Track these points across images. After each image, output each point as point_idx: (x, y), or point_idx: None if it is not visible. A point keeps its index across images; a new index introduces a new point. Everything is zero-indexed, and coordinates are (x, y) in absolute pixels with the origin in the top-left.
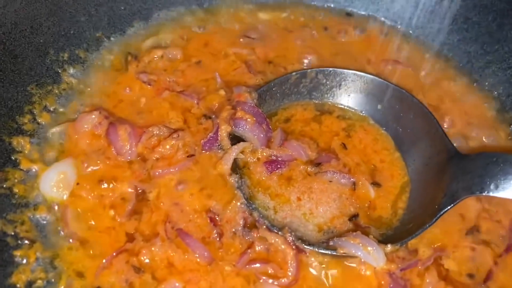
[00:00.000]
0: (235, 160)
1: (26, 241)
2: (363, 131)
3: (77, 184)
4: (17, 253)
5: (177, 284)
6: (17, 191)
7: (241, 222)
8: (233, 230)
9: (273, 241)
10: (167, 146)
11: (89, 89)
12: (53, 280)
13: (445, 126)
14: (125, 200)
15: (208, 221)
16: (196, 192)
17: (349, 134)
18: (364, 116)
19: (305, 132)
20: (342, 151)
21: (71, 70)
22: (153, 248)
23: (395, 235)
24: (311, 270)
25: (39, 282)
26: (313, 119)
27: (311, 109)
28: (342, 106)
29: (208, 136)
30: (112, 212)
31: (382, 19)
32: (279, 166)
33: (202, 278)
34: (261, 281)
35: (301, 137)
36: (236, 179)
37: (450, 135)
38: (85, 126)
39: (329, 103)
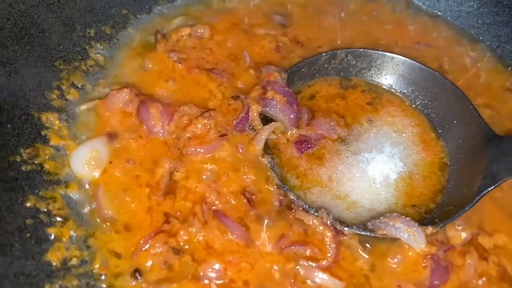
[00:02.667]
0: (265, 141)
1: (59, 219)
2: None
3: (110, 162)
4: (51, 230)
5: (217, 266)
6: (48, 167)
7: (277, 204)
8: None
9: (310, 222)
10: (199, 126)
11: (117, 66)
12: (87, 258)
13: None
14: (159, 179)
15: (245, 201)
16: (230, 172)
17: (376, 108)
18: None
19: (331, 108)
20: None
21: (98, 47)
22: (190, 229)
23: (431, 217)
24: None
25: (74, 260)
26: (338, 95)
27: (336, 85)
28: (369, 81)
29: (240, 116)
30: (147, 191)
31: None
32: (309, 146)
33: (242, 259)
34: (300, 264)
35: (328, 113)
36: (269, 160)
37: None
38: (116, 103)
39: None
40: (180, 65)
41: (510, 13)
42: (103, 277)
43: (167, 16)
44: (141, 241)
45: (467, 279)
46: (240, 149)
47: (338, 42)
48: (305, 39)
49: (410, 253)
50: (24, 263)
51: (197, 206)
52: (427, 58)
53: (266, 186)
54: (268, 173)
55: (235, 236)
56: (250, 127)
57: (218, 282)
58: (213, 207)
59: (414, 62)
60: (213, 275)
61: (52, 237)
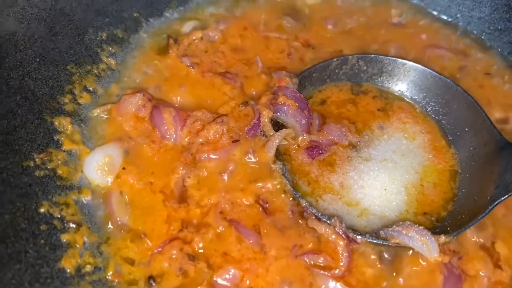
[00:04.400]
0: (276, 147)
1: (72, 225)
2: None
3: (123, 168)
4: (65, 236)
5: (232, 271)
6: (60, 172)
7: (289, 213)
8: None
9: (323, 231)
10: (212, 131)
11: (129, 70)
12: (101, 265)
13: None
14: (173, 185)
15: (260, 209)
16: (243, 179)
17: (387, 114)
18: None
19: (342, 114)
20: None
21: (110, 50)
22: (209, 235)
23: (443, 226)
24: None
25: (88, 267)
26: (349, 101)
27: (347, 90)
28: (380, 87)
29: (252, 122)
30: (161, 197)
31: (422, 5)
32: (320, 152)
33: (259, 266)
34: (313, 272)
35: (339, 119)
36: (281, 166)
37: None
38: (129, 108)
39: (366, 83)
40: (193, 69)
41: None
42: (116, 284)
43: (179, 19)
44: (156, 248)
45: None
46: (252, 156)
47: (349, 47)
48: (317, 44)
49: (423, 262)
50: (39, 270)
51: (210, 214)
52: (438, 64)
53: (279, 193)
54: (280, 179)
55: (251, 243)
56: (262, 133)
57: None
58: (228, 217)
59: (426, 68)
60: (227, 282)
61: (66, 243)
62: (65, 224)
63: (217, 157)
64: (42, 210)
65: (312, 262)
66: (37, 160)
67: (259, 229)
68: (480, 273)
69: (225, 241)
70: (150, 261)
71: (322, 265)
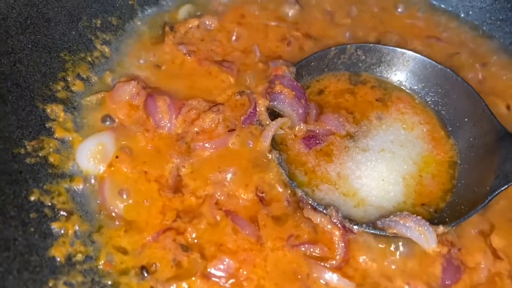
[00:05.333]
0: (272, 136)
1: (64, 213)
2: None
3: (116, 157)
4: (55, 224)
5: (226, 261)
6: (52, 160)
7: (286, 203)
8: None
9: (318, 221)
10: (207, 120)
11: (123, 58)
12: (92, 254)
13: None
14: (167, 174)
15: (257, 199)
16: (239, 169)
17: (385, 104)
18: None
19: (340, 104)
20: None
21: (104, 38)
22: (202, 226)
23: (441, 217)
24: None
25: (79, 256)
26: (347, 90)
27: (345, 80)
28: (378, 77)
29: (248, 112)
30: (155, 186)
31: None
32: (317, 141)
33: (256, 257)
34: (309, 263)
35: (337, 109)
36: (277, 155)
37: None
38: (123, 96)
39: (364, 73)
40: (189, 57)
41: None
42: (107, 273)
43: (175, 7)
44: (149, 238)
45: (480, 281)
46: (248, 145)
47: (349, 36)
48: (317, 32)
49: (421, 253)
50: (28, 258)
51: (206, 204)
52: (438, 54)
53: (276, 183)
54: (276, 169)
55: (247, 234)
56: (258, 122)
57: (228, 280)
58: (224, 208)
59: (425, 58)
60: (222, 273)
61: (57, 232)
62: (56, 212)
63: (212, 146)
64: (32, 198)
65: (308, 252)
66: (28, 147)
67: (256, 219)
68: (480, 264)
69: (220, 232)
70: (143, 251)
71: (318, 255)
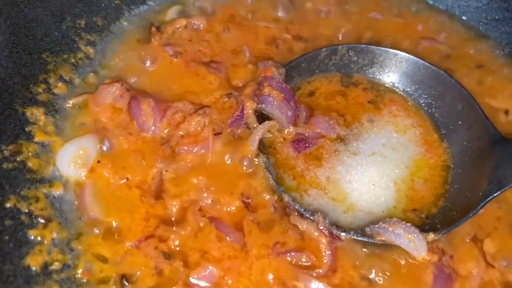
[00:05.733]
0: (260, 140)
1: (41, 220)
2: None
3: (98, 161)
4: (32, 232)
5: (209, 269)
6: (31, 165)
7: (272, 209)
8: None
9: (305, 227)
10: (193, 123)
11: (108, 60)
12: (70, 262)
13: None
14: (150, 180)
15: (242, 206)
16: (224, 174)
17: (377, 106)
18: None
19: (331, 106)
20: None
21: (89, 39)
22: (185, 233)
23: (433, 223)
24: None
25: (56, 265)
26: (338, 92)
27: (337, 81)
28: (371, 78)
29: (235, 114)
30: (137, 192)
31: None
32: (307, 145)
33: (241, 265)
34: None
35: (328, 111)
36: (264, 160)
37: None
38: (106, 98)
39: (356, 75)
40: (176, 59)
41: None
42: (85, 282)
43: (162, 7)
44: (131, 245)
45: None
46: (234, 150)
47: (341, 37)
48: (308, 33)
49: (410, 261)
50: (1, 267)
51: (189, 211)
52: (432, 54)
53: (262, 189)
54: (263, 174)
55: (231, 241)
56: (245, 125)
57: None
58: (208, 214)
59: (418, 59)
60: (205, 282)
61: (33, 239)
62: (33, 219)
63: (197, 150)
64: (8, 204)
65: (294, 260)
66: (5, 152)
67: (241, 226)
68: (472, 272)
69: (204, 239)
70: (123, 259)
71: (305, 263)
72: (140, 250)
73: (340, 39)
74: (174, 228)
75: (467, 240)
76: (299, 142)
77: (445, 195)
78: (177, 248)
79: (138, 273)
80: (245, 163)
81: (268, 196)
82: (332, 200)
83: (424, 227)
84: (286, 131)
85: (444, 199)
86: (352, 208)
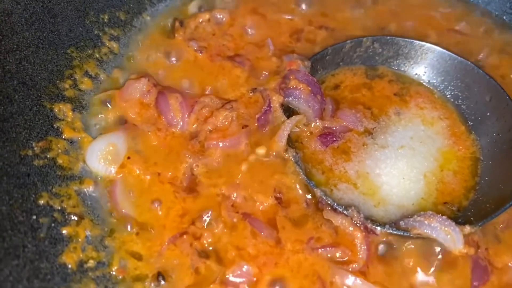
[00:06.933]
0: (288, 135)
1: (74, 217)
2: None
3: (128, 158)
4: (66, 230)
5: (245, 267)
6: (61, 162)
7: (304, 204)
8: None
9: (339, 222)
10: (220, 118)
11: (132, 55)
12: (104, 260)
13: None
14: (181, 175)
15: (275, 201)
16: (255, 170)
17: (403, 99)
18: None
19: (356, 99)
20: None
21: (112, 34)
22: (218, 230)
23: (465, 216)
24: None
25: (91, 262)
26: (364, 85)
27: (361, 74)
28: (396, 70)
29: (263, 109)
30: (168, 188)
31: None
32: (334, 139)
33: (276, 260)
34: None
35: (354, 104)
36: (293, 154)
37: None
38: (133, 94)
39: (381, 67)
40: (201, 53)
41: None
42: (121, 279)
43: (184, 1)
44: (166, 243)
45: (510, 281)
46: (263, 144)
47: (365, 28)
48: (332, 25)
49: (447, 253)
50: (38, 265)
51: (222, 207)
52: (458, 45)
53: (294, 183)
54: (294, 168)
55: (266, 237)
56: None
57: (248, 285)
58: (240, 210)
59: (444, 50)
60: (242, 279)
61: (67, 237)
62: (66, 217)
63: (226, 144)
64: (41, 201)
65: (329, 255)
66: (35, 148)
67: (274, 222)
68: (509, 264)
69: (238, 235)
70: (158, 256)
71: (340, 259)
72: (176, 248)
73: (363, 30)
74: (207, 225)
75: (501, 232)
76: (327, 136)
77: (476, 187)
78: (211, 247)
79: (174, 270)
80: (275, 158)
81: (300, 191)
82: (363, 194)
83: (456, 220)
84: (313, 125)
85: (474, 191)
86: (383, 202)
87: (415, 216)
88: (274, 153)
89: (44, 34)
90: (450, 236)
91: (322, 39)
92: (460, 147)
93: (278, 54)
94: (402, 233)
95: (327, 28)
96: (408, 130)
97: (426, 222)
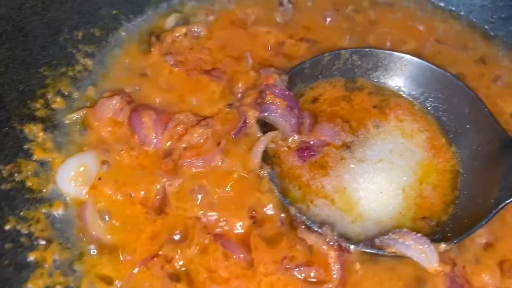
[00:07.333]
0: (265, 149)
1: (42, 241)
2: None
3: (99, 179)
4: (33, 255)
5: None
6: (30, 184)
7: (279, 223)
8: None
9: (313, 241)
10: (195, 135)
11: (107, 71)
12: (72, 285)
13: None
14: (153, 196)
15: (250, 221)
16: (229, 188)
17: (383, 111)
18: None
19: (335, 112)
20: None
21: (87, 50)
22: (190, 252)
23: (444, 231)
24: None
25: None
26: (343, 98)
27: (341, 86)
28: (375, 82)
29: (238, 125)
30: (140, 209)
31: None
32: (312, 153)
33: (248, 282)
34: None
35: (332, 118)
36: (268, 171)
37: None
38: (106, 112)
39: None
40: (177, 68)
41: None
42: None
43: (161, 16)
44: (136, 266)
45: None
46: (237, 162)
47: (345, 39)
48: (313, 37)
49: (422, 272)
50: None
51: (194, 227)
52: (438, 56)
53: (268, 201)
54: (269, 186)
55: (239, 259)
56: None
57: None
58: (213, 231)
59: (424, 62)
60: None
61: (34, 262)
62: (34, 241)
63: (200, 163)
64: (7, 227)
65: (303, 275)
66: (3, 172)
67: (248, 242)
68: (486, 282)
69: (210, 257)
70: (129, 280)
71: (314, 278)
72: (147, 270)
73: (343, 42)
74: (179, 247)
75: (479, 249)
76: (304, 150)
77: (455, 201)
78: (183, 268)
79: None
80: (250, 176)
81: (275, 209)
82: (340, 210)
83: (434, 236)
84: (290, 140)
85: (454, 205)
86: (360, 218)
87: (390, 233)
88: (249, 170)
89: (15, 53)
90: (424, 255)
91: (303, 52)
92: (440, 160)
93: (257, 68)
94: (376, 251)
95: (308, 41)
96: (387, 143)
97: (400, 240)
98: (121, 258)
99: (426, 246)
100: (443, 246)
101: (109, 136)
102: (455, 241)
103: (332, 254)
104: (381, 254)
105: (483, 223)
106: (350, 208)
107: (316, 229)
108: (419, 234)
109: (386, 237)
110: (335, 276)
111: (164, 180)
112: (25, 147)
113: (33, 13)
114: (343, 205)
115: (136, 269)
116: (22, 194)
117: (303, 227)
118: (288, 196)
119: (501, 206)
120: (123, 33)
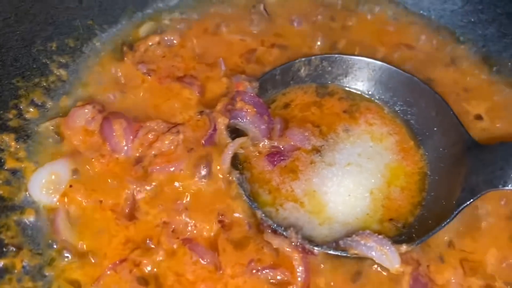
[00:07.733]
0: (236, 155)
1: (12, 248)
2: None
3: (70, 186)
4: (2, 261)
5: None
6: (1, 193)
7: (247, 226)
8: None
9: (278, 244)
10: (166, 142)
11: (81, 81)
12: None
13: None
14: (123, 202)
15: (217, 225)
16: (197, 193)
17: (353, 116)
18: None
19: (306, 118)
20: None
21: (61, 61)
22: (156, 257)
23: (409, 232)
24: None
25: None
26: (314, 103)
27: (312, 92)
28: (346, 88)
29: (208, 132)
30: (110, 215)
31: None
32: (282, 158)
33: (215, 285)
34: None
35: (303, 123)
36: (237, 176)
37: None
38: (78, 121)
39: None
40: (149, 76)
41: (495, 11)
42: None
43: (135, 25)
44: (105, 270)
45: None
46: (207, 168)
47: (316, 46)
48: (284, 43)
49: (384, 273)
50: None
51: (163, 232)
52: (409, 61)
53: (237, 205)
54: (237, 190)
55: (206, 263)
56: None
57: None
58: (181, 236)
59: (391, 66)
60: None
61: (3, 269)
62: (4, 248)
63: (170, 169)
64: None
65: (269, 277)
66: None
67: (216, 245)
68: (450, 280)
69: (178, 262)
70: (97, 284)
71: (280, 280)
72: (115, 275)
73: (314, 48)
74: (148, 252)
75: (443, 248)
76: (274, 155)
77: (422, 203)
78: (153, 270)
79: None
80: (219, 181)
81: (243, 214)
82: (308, 213)
83: (400, 237)
84: (261, 145)
85: (420, 207)
86: (328, 220)
87: (353, 235)
88: (218, 176)
89: None
90: (385, 256)
91: (275, 58)
92: (409, 162)
93: (229, 75)
94: (340, 253)
95: (280, 46)
96: (356, 147)
97: (362, 242)
98: (91, 263)
99: (387, 247)
100: (404, 247)
101: (81, 144)
102: (416, 242)
103: (296, 256)
104: (345, 255)
105: (443, 225)
106: (318, 211)
107: (281, 232)
108: (380, 236)
109: (349, 239)
110: (299, 278)
111: (134, 186)
112: None
113: (6, 26)
114: (312, 208)
115: (106, 273)
116: None
117: (269, 230)
118: (258, 200)
119: (461, 207)
120: (97, 43)
